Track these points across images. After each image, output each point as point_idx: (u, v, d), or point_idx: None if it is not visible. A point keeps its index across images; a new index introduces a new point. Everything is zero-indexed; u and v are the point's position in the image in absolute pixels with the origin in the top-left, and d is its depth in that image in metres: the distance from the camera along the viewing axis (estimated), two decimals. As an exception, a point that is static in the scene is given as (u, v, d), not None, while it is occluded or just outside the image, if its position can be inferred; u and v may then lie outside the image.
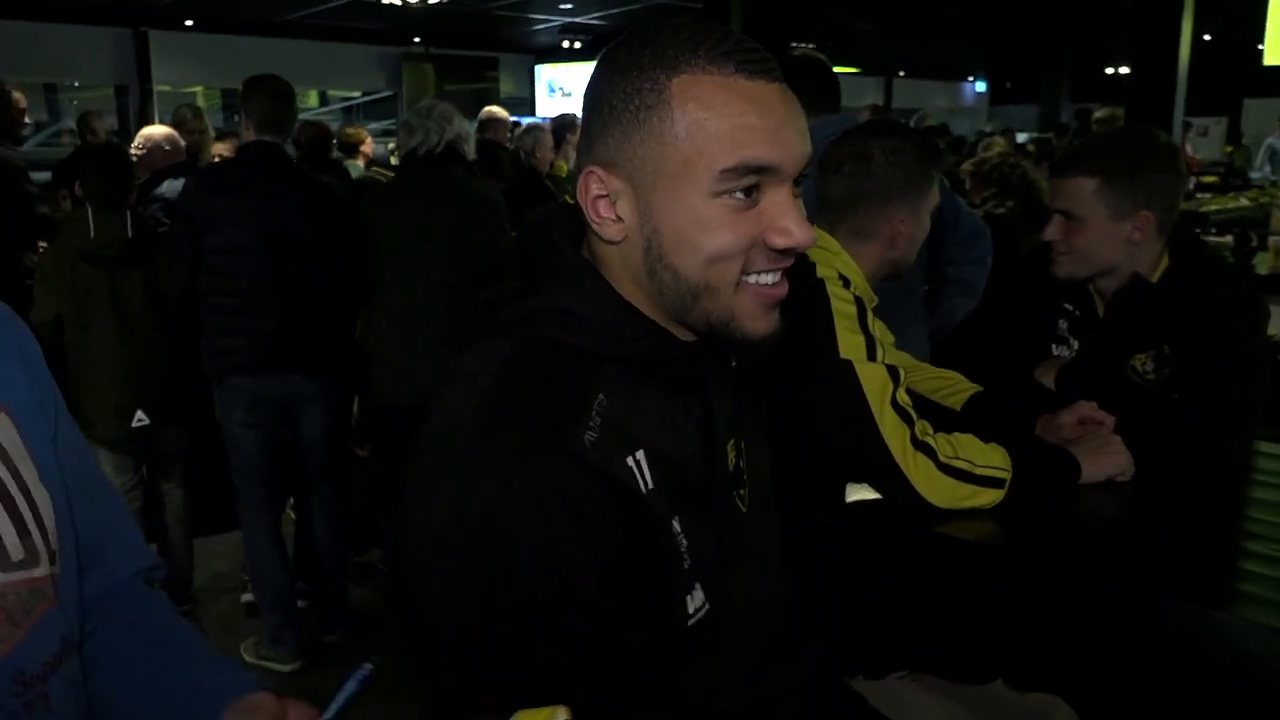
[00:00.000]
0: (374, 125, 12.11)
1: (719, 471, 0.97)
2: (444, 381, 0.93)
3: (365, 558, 3.84)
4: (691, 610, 0.91)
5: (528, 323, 0.92)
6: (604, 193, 0.91)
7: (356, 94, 14.12)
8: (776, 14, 10.53)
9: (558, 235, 0.96)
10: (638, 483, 0.86)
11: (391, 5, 9.96)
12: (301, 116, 11.59)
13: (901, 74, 18.47)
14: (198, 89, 12.65)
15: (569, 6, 10.70)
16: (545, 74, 14.76)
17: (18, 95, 4.05)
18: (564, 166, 5.05)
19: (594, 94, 0.93)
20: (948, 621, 1.46)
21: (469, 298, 2.87)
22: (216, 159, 4.46)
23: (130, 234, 3.18)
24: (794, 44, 12.41)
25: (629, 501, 0.85)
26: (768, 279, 0.90)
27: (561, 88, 14.59)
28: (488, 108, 5.96)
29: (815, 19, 11.72)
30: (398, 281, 3.11)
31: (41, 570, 0.84)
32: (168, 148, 4.05)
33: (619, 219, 0.91)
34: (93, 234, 3.11)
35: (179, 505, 3.42)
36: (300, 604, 3.32)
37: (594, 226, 0.92)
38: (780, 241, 0.88)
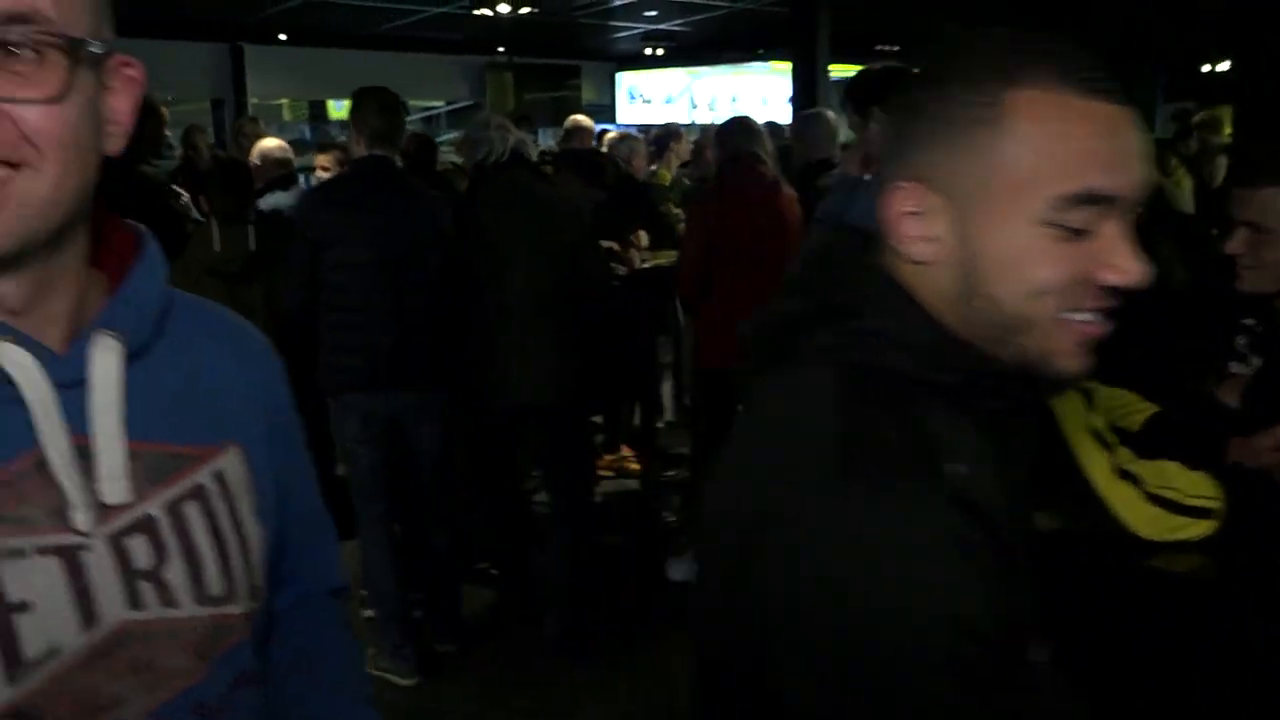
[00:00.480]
0: (457, 135, 12.27)
1: (1021, 511, 0.89)
2: (754, 414, 0.86)
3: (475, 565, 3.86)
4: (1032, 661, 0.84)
5: (847, 347, 0.84)
6: (915, 210, 0.83)
7: (439, 104, 14.31)
8: (863, 17, 10.38)
9: (862, 254, 0.89)
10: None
11: (478, 16, 10.04)
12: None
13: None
14: (283, 101, 12.96)
15: (653, 13, 10.68)
16: (626, 81, 14.77)
17: (163, 111, 4.12)
18: (666, 175, 5.01)
19: (911, 104, 0.85)
20: (1157, 660, 1.37)
21: (558, 300, 2.93)
22: (319, 171, 4.54)
23: (252, 247, 3.23)
24: (879, 46, 12.27)
25: (1000, 538, 0.77)
26: (1090, 317, 0.82)
27: (642, 94, 14.57)
28: (573, 116, 5.97)
29: (902, 21, 11.51)
30: (492, 287, 3.19)
31: (237, 607, 0.83)
32: (280, 161, 4.12)
33: (931, 239, 0.83)
34: (217, 247, 3.16)
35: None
36: (366, 613, 3.36)
37: (898, 245, 0.85)
38: (1113, 279, 0.80)
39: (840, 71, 9.55)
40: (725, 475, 0.88)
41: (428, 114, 14.33)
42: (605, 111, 14.11)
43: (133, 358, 0.78)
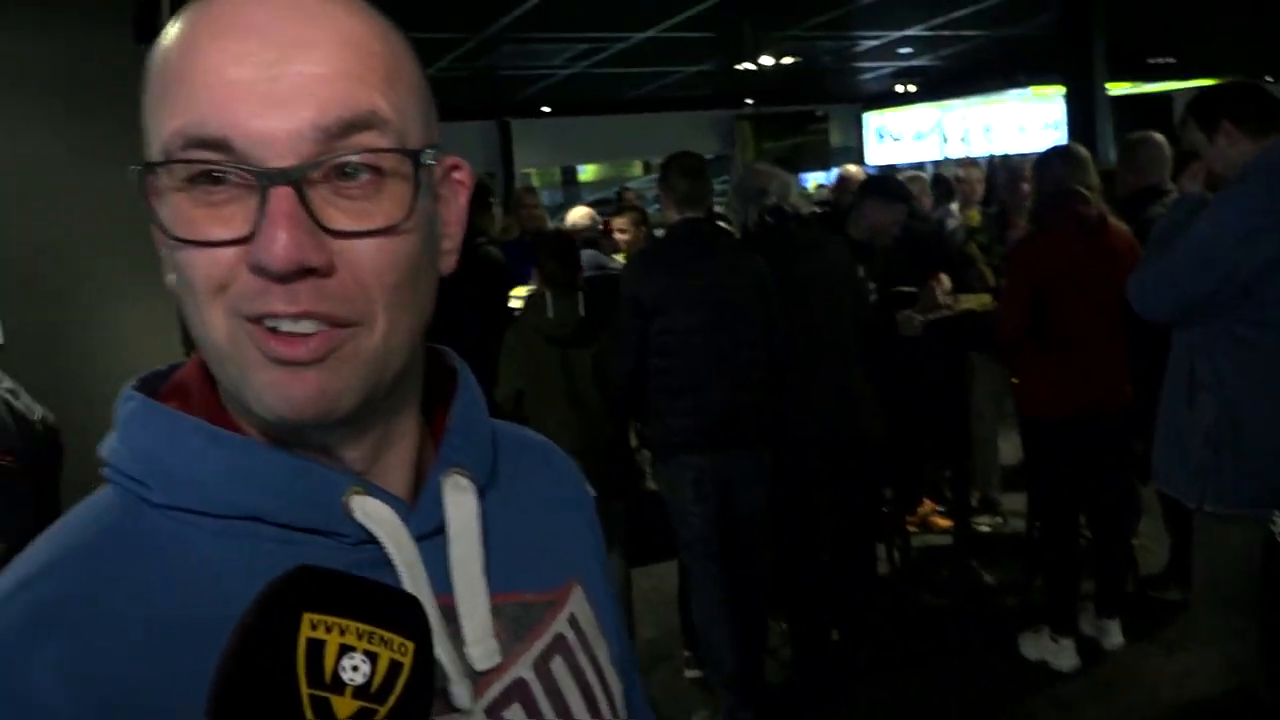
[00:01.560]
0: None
1: None
2: None
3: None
4: None
5: None
6: None
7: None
8: (1136, 32, 9.70)
9: None
10: None
11: (730, 72, 10.20)
12: (627, 184, 12.35)
13: (1269, 79, 16.46)
14: (532, 170, 13.64)
15: (908, 50, 10.46)
16: (873, 121, 14.55)
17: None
18: (975, 215, 4.80)
19: None
20: None
21: (851, 344, 2.93)
22: (617, 233, 4.69)
23: (582, 314, 3.34)
24: (1151, 60, 11.41)
25: None
26: None
27: (891, 133, 14.30)
28: (846, 167, 5.88)
29: (1176, 32, 10.67)
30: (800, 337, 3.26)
31: None
32: (585, 228, 4.29)
33: None
34: (550, 314, 3.28)
35: (622, 575, 3.50)
36: (690, 674, 3.35)
37: None
38: None
39: (1116, 90, 8.96)
40: None
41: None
42: (852, 154, 13.94)
43: (480, 496, 0.68)
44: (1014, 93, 12.74)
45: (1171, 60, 11.69)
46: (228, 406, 0.62)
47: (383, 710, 0.47)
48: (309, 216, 0.54)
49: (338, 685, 0.47)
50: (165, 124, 0.56)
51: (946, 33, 9.51)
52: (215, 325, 0.57)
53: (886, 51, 10.46)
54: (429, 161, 0.60)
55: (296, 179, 0.54)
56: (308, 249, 0.54)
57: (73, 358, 2.74)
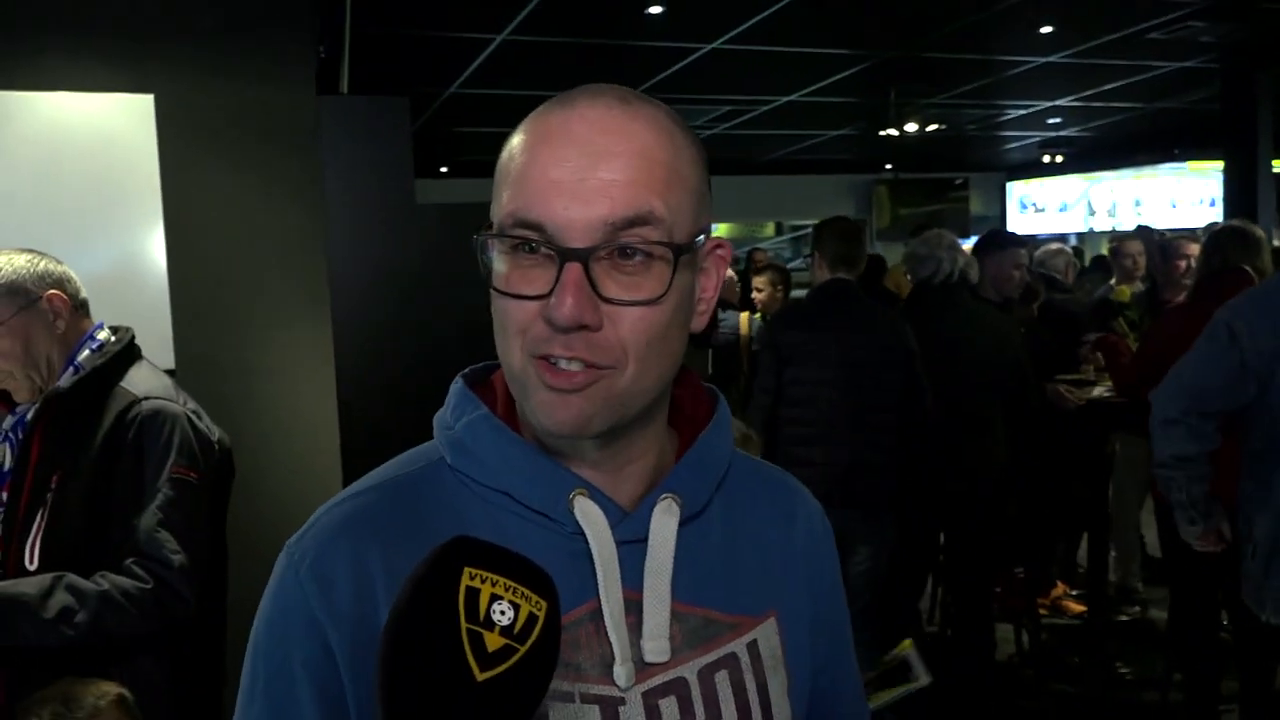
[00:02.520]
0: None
1: None
2: None
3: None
4: None
5: None
6: None
7: (816, 221, 14.59)
8: None
9: None
10: None
11: (871, 137, 10.18)
12: (758, 244, 12.38)
13: None
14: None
15: (1057, 120, 10.24)
16: (1017, 190, 14.24)
17: None
18: (1126, 291, 4.66)
19: None
20: None
21: (997, 416, 2.88)
22: (755, 292, 4.79)
23: (710, 370, 3.40)
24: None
25: None
26: None
27: (1034, 203, 13.96)
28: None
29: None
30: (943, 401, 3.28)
31: None
32: (730, 286, 4.39)
33: None
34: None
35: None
36: None
37: None
38: None
39: (1280, 167, 8.57)
40: None
41: (797, 234, 14.68)
42: (993, 222, 13.65)
43: (688, 520, 0.81)
44: (1167, 166, 12.29)
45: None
46: (518, 413, 0.80)
47: (522, 649, 0.60)
48: (590, 286, 0.71)
49: (489, 624, 0.60)
50: (503, 205, 0.74)
51: (1098, 104, 9.28)
52: (515, 356, 0.75)
53: (1034, 121, 10.26)
54: (694, 247, 0.76)
55: (585, 257, 0.71)
56: (586, 311, 0.71)
57: (238, 384, 2.92)
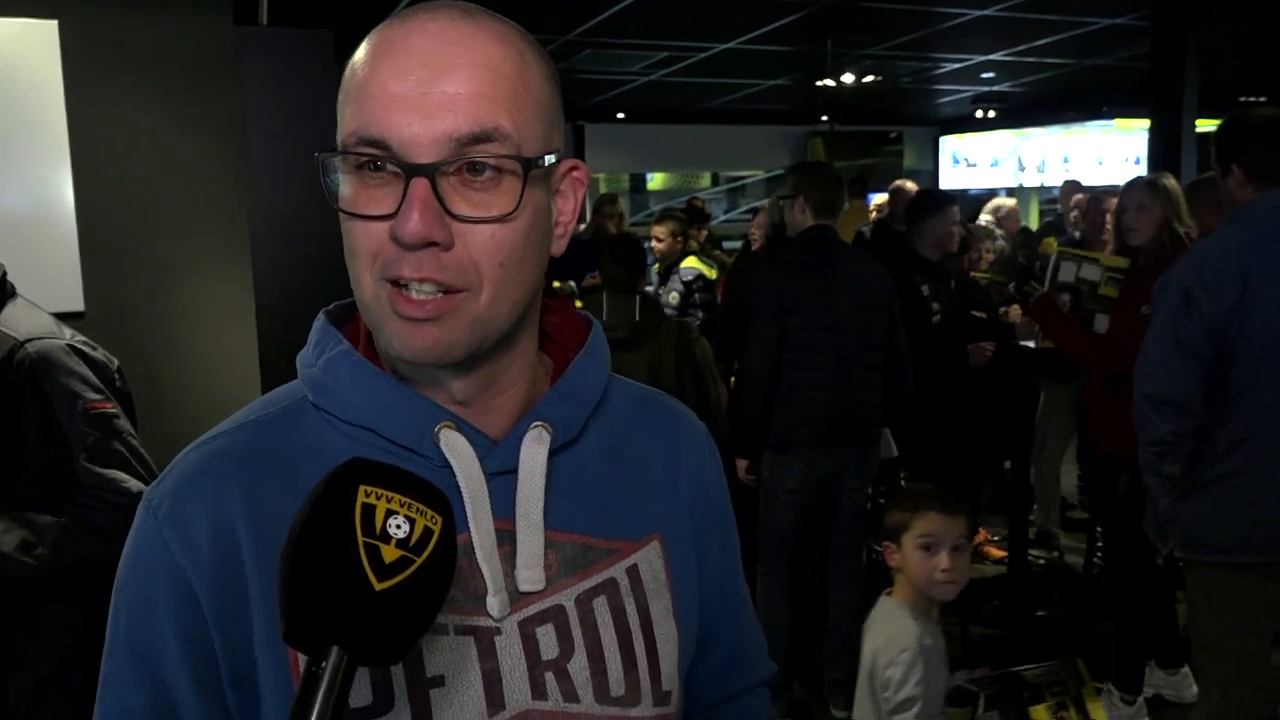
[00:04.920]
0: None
1: None
2: None
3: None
4: None
5: None
6: None
7: (753, 173, 14.58)
8: (1230, 68, 9.47)
9: None
10: None
11: (806, 88, 10.16)
12: (695, 194, 12.33)
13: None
14: (601, 176, 13.70)
15: (990, 75, 10.31)
16: (949, 145, 14.38)
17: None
18: (1053, 243, 4.73)
19: None
20: None
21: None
22: (654, 241, 4.81)
23: (637, 317, 3.35)
24: (1243, 98, 11.12)
25: None
26: None
27: (966, 158, 14.12)
28: (899, 182, 5.79)
29: (1269, 69, 10.38)
30: None
31: (641, 710, 0.81)
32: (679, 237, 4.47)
33: None
34: (605, 315, 3.31)
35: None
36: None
37: None
38: None
39: (1205, 127, 8.75)
40: None
41: (734, 184, 14.66)
42: (925, 176, 13.78)
43: (563, 448, 0.80)
44: (1096, 124, 12.51)
45: (1263, 99, 11.39)
46: (377, 347, 0.78)
47: (419, 560, 0.62)
48: (439, 202, 0.69)
49: (385, 537, 0.61)
50: (345, 123, 0.72)
51: (1031, 59, 9.36)
52: (365, 283, 0.73)
53: (969, 75, 10.32)
54: (543, 164, 0.73)
55: (431, 173, 0.69)
56: (434, 227, 0.69)
57: (153, 329, 2.81)
